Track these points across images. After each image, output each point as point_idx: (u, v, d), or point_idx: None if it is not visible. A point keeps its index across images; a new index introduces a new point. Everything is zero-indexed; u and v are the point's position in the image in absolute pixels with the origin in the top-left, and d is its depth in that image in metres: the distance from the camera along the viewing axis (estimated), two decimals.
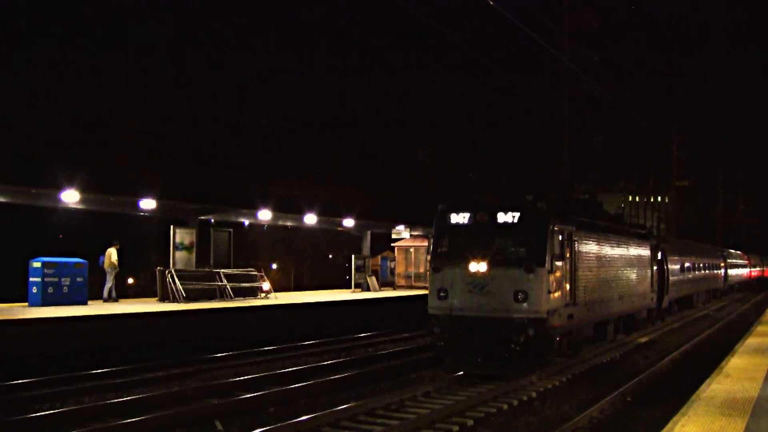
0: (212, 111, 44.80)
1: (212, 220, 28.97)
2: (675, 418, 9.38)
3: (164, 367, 17.04)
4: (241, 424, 11.81)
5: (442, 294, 15.30)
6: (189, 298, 23.15)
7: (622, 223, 24.06)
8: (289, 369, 16.78)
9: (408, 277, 38.08)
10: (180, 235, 24.46)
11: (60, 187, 20.31)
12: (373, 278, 34.10)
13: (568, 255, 16.00)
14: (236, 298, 25.12)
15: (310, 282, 48.54)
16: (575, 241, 16.48)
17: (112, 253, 23.50)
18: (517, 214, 15.20)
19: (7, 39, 39.58)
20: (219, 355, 18.90)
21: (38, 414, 11.94)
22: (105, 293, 23.47)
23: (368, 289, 33.05)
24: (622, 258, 20.56)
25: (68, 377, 15.39)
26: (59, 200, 21.49)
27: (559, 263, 15.38)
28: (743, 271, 61.18)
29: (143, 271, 40.41)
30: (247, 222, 36.24)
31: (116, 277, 23.83)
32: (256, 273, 27.72)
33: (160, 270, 23.72)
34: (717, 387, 11.68)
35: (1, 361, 15.54)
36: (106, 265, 23.58)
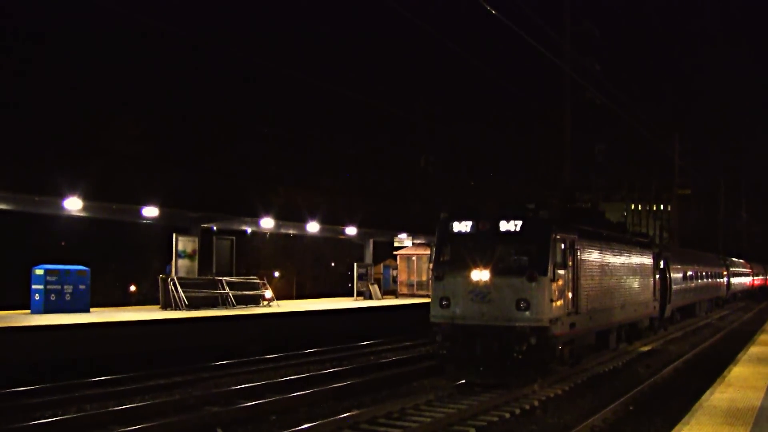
0: (215, 119, 44.89)
1: (214, 228, 29.01)
2: (677, 428, 9.37)
3: (166, 374, 17.04)
4: None
5: (444, 302, 15.28)
6: (191, 306, 23.18)
7: (625, 231, 24.02)
8: (291, 377, 16.77)
9: (410, 285, 38.05)
10: (182, 243, 24.50)
11: (63, 195, 20.38)
12: (376, 286, 34.08)
13: (570, 263, 15.98)
14: (238, 306, 25.12)
15: (313, 290, 48.47)
16: (577, 249, 16.47)
17: None
18: (519, 223, 15.19)
19: (10, 45, 39.70)
20: (220, 363, 18.90)
21: (40, 421, 11.97)
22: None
23: (370, 298, 33.03)
24: (624, 266, 20.53)
25: (70, 385, 15.39)
26: (62, 208, 21.57)
27: (561, 272, 15.37)
28: (746, 280, 61.01)
29: (145, 279, 40.42)
30: (249, 230, 36.25)
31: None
32: (258, 281, 27.72)
33: (163, 278, 23.73)
34: (719, 396, 11.65)
35: (2, 368, 15.55)
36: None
